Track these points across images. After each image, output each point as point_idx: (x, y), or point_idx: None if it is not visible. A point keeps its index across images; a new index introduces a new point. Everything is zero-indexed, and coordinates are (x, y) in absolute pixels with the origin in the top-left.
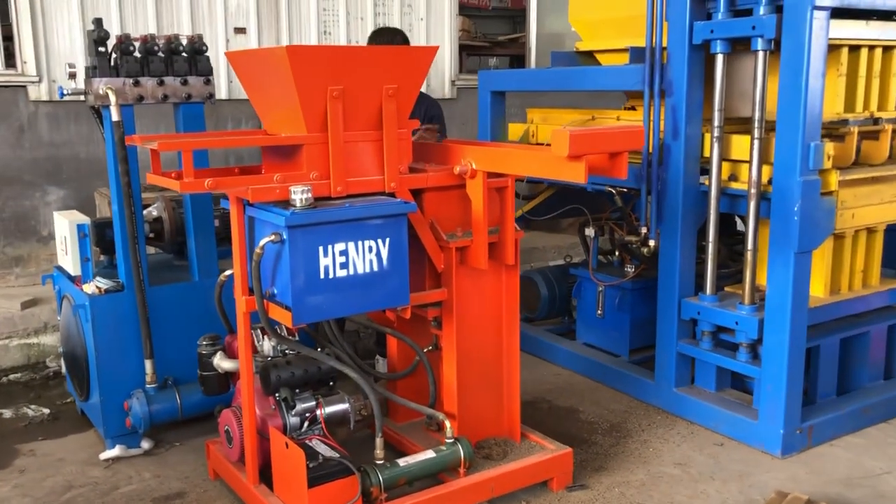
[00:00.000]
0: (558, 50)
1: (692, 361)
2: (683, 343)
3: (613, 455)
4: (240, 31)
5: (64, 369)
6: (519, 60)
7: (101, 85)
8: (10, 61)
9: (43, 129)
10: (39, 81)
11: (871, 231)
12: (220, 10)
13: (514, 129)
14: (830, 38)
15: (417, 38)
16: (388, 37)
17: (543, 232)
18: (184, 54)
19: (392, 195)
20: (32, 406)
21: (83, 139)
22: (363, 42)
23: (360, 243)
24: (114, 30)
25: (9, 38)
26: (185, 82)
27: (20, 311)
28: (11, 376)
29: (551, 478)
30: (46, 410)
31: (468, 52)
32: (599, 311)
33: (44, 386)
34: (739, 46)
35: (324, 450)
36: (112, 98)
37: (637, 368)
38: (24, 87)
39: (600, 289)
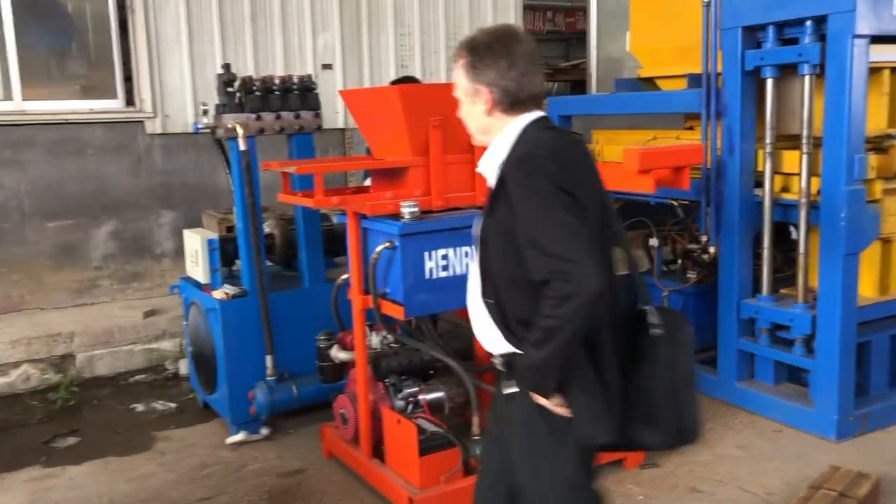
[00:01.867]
0: (615, 74)
1: (751, 357)
2: (743, 340)
3: None
4: (327, 66)
5: (184, 369)
6: (577, 85)
7: (230, 120)
8: (130, 100)
9: (157, 159)
10: (155, 117)
11: None
12: (310, 50)
13: None
14: (872, 62)
15: None
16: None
17: None
18: (296, 91)
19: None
20: (160, 401)
21: (191, 167)
22: (437, 74)
23: (458, 249)
24: (218, 68)
25: (129, 79)
26: (297, 116)
27: (142, 320)
28: (137, 377)
29: (625, 457)
30: (173, 405)
31: None
32: None
33: (164, 385)
34: (787, 71)
35: (429, 426)
36: (240, 131)
37: (701, 366)
38: (142, 122)
39: (665, 294)
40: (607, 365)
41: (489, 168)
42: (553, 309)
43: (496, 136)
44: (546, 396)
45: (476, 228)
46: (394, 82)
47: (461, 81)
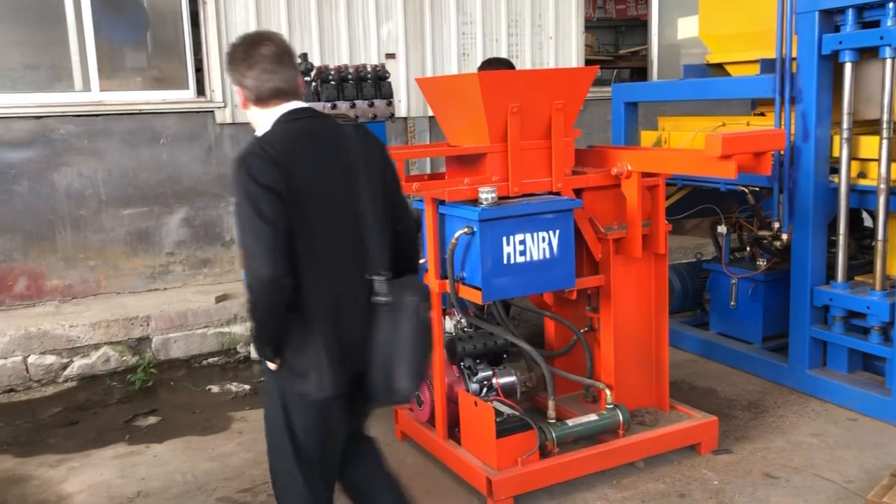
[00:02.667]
0: (673, 61)
1: (824, 345)
2: (816, 328)
3: (753, 427)
4: (390, 56)
5: (256, 352)
6: (636, 72)
7: None
8: (201, 90)
9: (227, 148)
10: (224, 107)
11: None
12: (374, 39)
13: (647, 137)
14: None
15: (547, 56)
16: (495, 66)
17: (669, 234)
18: (369, 80)
19: (558, 194)
20: (234, 383)
21: None
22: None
23: (535, 234)
24: None
25: (200, 70)
26: (371, 104)
27: (215, 305)
28: (210, 360)
29: (699, 442)
30: (246, 386)
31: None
32: (733, 303)
33: (236, 368)
34: (865, 55)
35: (505, 409)
36: None
37: (770, 353)
38: (212, 111)
39: (733, 281)
40: (324, 331)
41: None
42: (247, 294)
43: (259, 127)
44: (269, 360)
45: None
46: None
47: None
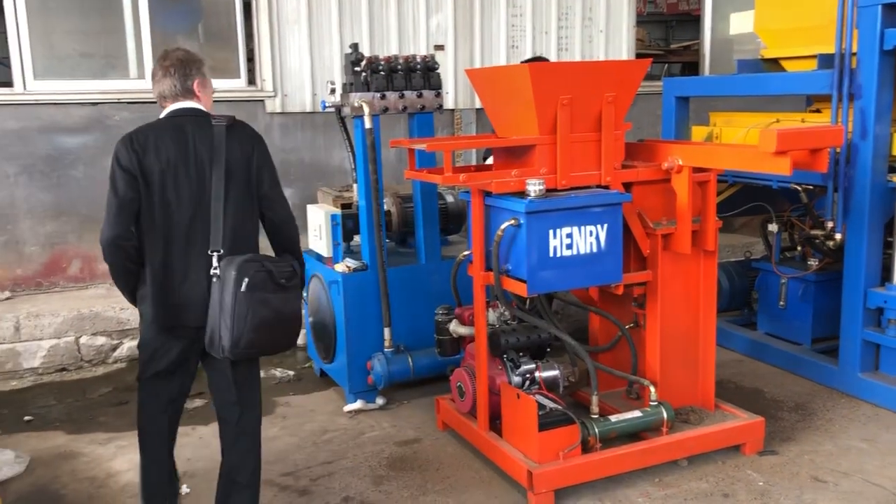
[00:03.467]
0: (725, 56)
1: (876, 348)
2: (869, 330)
3: (800, 429)
4: (439, 47)
5: (301, 339)
6: (688, 67)
7: (357, 99)
8: (252, 79)
9: (276, 137)
10: (275, 96)
11: None
12: (423, 30)
13: (698, 132)
14: None
15: (598, 49)
16: None
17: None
18: (419, 71)
19: (606, 188)
20: (278, 369)
21: (307, 146)
22: (548, 55)
23: (582, 228)
24: (335, 48)
25: (251, 60)
26: (420, 95)
27: None
28: None
29: (744, 443)
30: (291, 372)
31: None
32: (782, 303)
33: (281, 354)
34: None
35: (548, 402)
36: (366, 109)
37: (819, 355)
38: (263, 101)
39: (783, 281)
40: (156, 287)
41: None
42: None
43: None
44: (132, 304)
45: None
46: (524, 62)
47: None
